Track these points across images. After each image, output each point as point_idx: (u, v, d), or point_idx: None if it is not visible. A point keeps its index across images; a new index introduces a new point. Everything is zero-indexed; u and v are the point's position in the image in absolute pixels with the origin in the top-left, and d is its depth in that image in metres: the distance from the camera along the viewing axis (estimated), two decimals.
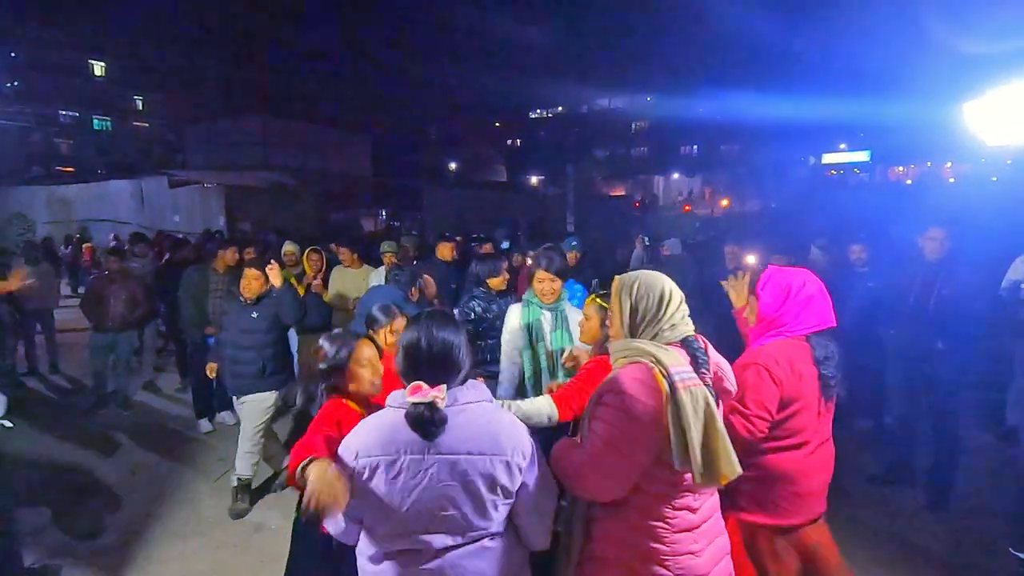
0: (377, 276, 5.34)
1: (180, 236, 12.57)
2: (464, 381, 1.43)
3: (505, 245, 7.13)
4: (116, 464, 4.23)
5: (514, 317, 2.92)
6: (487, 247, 5.51)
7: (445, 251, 5.24)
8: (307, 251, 5.22)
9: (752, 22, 42.67)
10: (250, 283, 3.56)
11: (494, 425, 1.39)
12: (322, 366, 2.01)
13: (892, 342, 3.60)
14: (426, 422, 1.32)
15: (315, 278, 5.07)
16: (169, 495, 3.76)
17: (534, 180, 45.85)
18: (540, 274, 2.85)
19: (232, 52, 42.03)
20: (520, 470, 1.37)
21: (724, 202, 20.03)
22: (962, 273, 3.19)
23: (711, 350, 1.62)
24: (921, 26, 37.07)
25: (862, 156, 40.97)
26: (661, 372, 1.45)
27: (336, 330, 2.15)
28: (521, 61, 50.52)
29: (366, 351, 2.02)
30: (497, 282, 3.43)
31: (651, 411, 1.43)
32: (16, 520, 2.91)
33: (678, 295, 1.60)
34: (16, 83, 37.00)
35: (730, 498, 1.86)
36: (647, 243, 5.91)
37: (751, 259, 5.07)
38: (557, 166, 36.86)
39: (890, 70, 37.70)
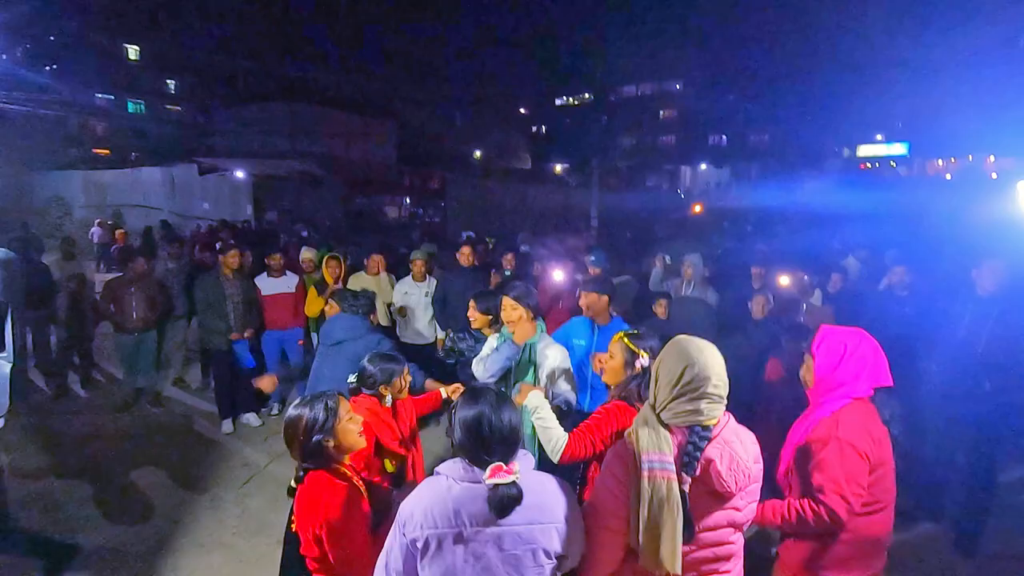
0: (405, 286, 5.31)
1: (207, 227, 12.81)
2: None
3: (524, 248, 7.05)
4: (145, 467, 4.33)
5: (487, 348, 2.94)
6: (509, 258, 5.46)
7: (465, 257, 5.20)
8: (326, 258, 5.24)
9: (786, 5, 41.25)
10: None
11: (546, 495, 1.48)
12: (317, 438, 1.78)
13: (933, 377, 3.45)
14: (511, 501, 1.40)
15: (335, 285, 5.09)
16: (194, 502, 3.85)
17: (558, 168, 45.47)
18: (506, 301, 2.79)
19: (260, 38, 42.34)
20: (563, 533, 1.47)
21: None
22: (1019, 313, 3.02)
23: (720, 442, 1.53)
24: (967, 12, 35.43)
25: (900, 149, 39.53)
26: (635, 455, 1.51)
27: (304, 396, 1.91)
28: (548, 47, 49.81)
29: (344, 403, 1.90)
30: (476, 322, 3.12)
31: (620, 486, 1.53)
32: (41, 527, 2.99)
33: (702, 380, 1.51)
34: (55, 65, 37.98)
35: (812, 562, 1.94)
36: (668, 261, 5.64)
37: (784, 281, 4.93)
38: (582, 155, 36.45)
39: (931, 55, 36.18)
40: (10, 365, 2.81)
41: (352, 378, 2.54)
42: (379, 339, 3.25)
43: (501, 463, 1.42)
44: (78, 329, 5.93)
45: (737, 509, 1.55)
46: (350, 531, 1.71)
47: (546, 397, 2.30)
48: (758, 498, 1.64)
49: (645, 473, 1.46)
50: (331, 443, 1.80)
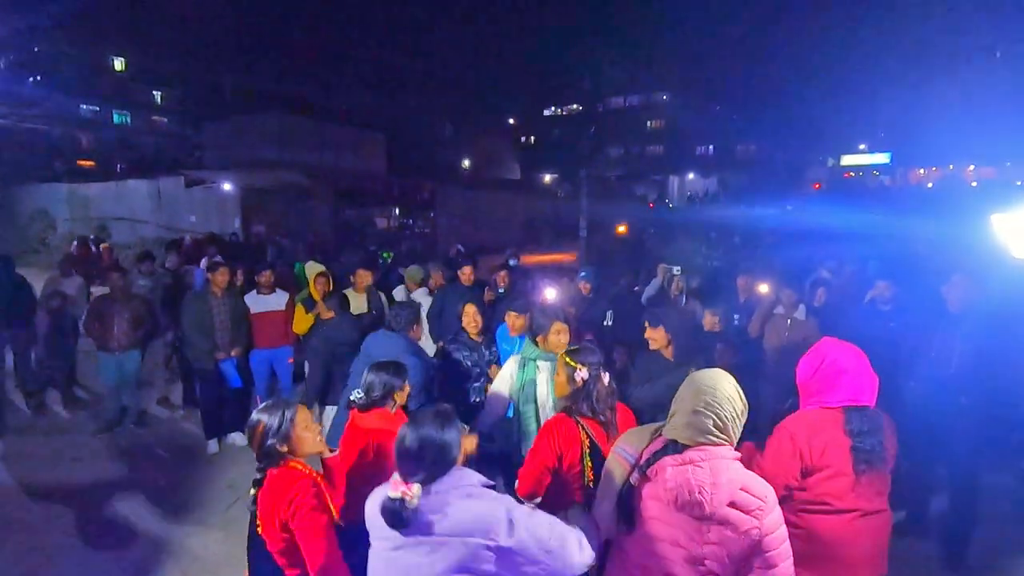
0: (400, 296, 5.44)
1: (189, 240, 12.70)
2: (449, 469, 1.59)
3: (514, 262, 7.06)
4: (127, 490, 4.26)
5: (508, 375, 2.93)
6: (502, 275, 5.47)
7: (466, 276, 5.22)
8: (315, 275, 5.22)
9: (771, 19, 42.01)
10: None
11: (466, 510, 1.53)
12: (271, 442, 1.92)
13: (911, 392, 3.50)
14: (396, 516, 1.49)
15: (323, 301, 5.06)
16: (178, 526, 3.79)
17: (547, 178, 45.69)
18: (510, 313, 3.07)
19: (247, 49, 42.30)
20: (490, 548, 1.50)
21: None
22: (984, 328, 3.08)
23: (681, 463, 1.62)
24: (947, 24, 36.30)
25: (882, 158, 40.23)
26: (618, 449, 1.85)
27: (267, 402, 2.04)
28: (536, 58, 50.23)
29: (303, 413, 2.03)
30: (472, 327, 3.57)
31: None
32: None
33: (699, 405, 1.63)
34: (39, 76, 37.63)
35: None
36: (677, 272, 5.57)
37: (764, 289, 4.99)
38: (571, 165, 36.68)
39: (914, 67, 36.98)
40: None
41: (356, 395, 2.49)
42: (418, 363, 3.08)
43: (400, 478, 1.53)
44: (60, 347, 5.85)
45: (709, 542, 1.57)
46: (314, 514, 1.80)
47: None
48: (729, 548, 1.57)
49: (611, 454, 1.87)
50: (284, 448, 1.93)
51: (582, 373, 2.23)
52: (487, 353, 3.57)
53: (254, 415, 1.97)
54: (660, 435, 1.72)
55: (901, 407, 3.62)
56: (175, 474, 4.52)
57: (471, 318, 3.61)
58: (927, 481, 3.59)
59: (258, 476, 1.93)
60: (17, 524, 3.76)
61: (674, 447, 1.64)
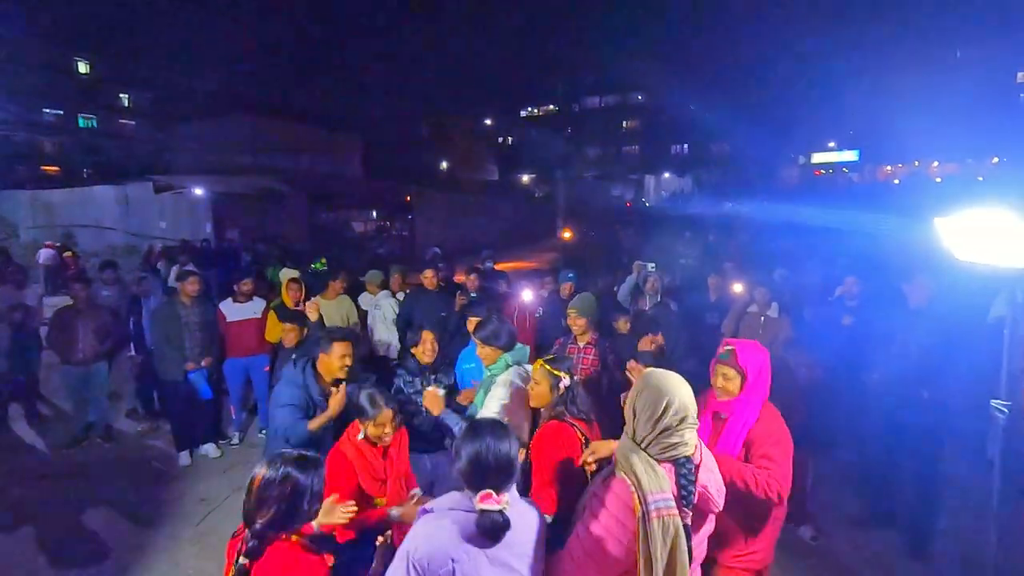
0: (365, 301, 5.41)
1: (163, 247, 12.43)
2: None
3: (489, 264, 7.05)
4: (96, 507, 4.14)
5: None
6: (472, 279, 5.46)
7: (428, 280, 5.19)
8: (287, 281, 5.15)
9: (745, 20, 42.74)
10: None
11: (524, 523, 1.60)
12: (303, 505, 1.62)
13: (875, 386, 3.60)
14: (498, 528, 1.50)
15: (297, 308, 5.00)
16: (148, 542, 3.70)
17: (525, 179, 45.80)
18: (477, 340, 2.80)
19: (218, 49, 41.54)
20: (531, 559, 1.59)
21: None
22: (943, 324, 3.18)
23: (704, 468, 1.62)
24: (912, 24, 37.40)
25: (851, 156, 41.25)
26: (639, 497, 1.50)
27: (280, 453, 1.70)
28: (513, 58, 50.31)
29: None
30: (420, 352, 3.21)
31: (624, 529, 1.51)
32: None
33: (683, 413, 1.59)
34: None
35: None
36: (652, 269, 5.61)
37: (738, 288, 5.08)
38: (548, 165, 36.84)
39: (881, 66, 38.02)
40: None
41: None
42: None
43: (491, 491, 1.52)
44: (22, 360, 5.65)
45: (711, 521, 1.68)
46: None
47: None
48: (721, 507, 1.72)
49: (654, 514, 1.48)
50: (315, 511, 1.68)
51: (566, 381, 2.29)
52: (431, 380, 3.20)
53: (277, 469, 1.61)
54: (663, 460, 1.58)
55: (864, 400, 3.73)
56: (145, 488, 4.41)
57: (428, 346, 3.23)
58: (890, 473, 3.68)
59: (253, 544, 1.55)
60: None
61: (688, 464, 1.58)
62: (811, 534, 3.60)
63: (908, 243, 5.13)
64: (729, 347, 2.26)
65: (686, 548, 1.50)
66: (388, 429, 2.38)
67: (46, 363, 6.00)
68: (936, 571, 3.31)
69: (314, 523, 1.88)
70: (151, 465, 4.85)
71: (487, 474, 1.55)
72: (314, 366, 2.89)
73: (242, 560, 1.54)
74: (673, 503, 1.51)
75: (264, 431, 5.09)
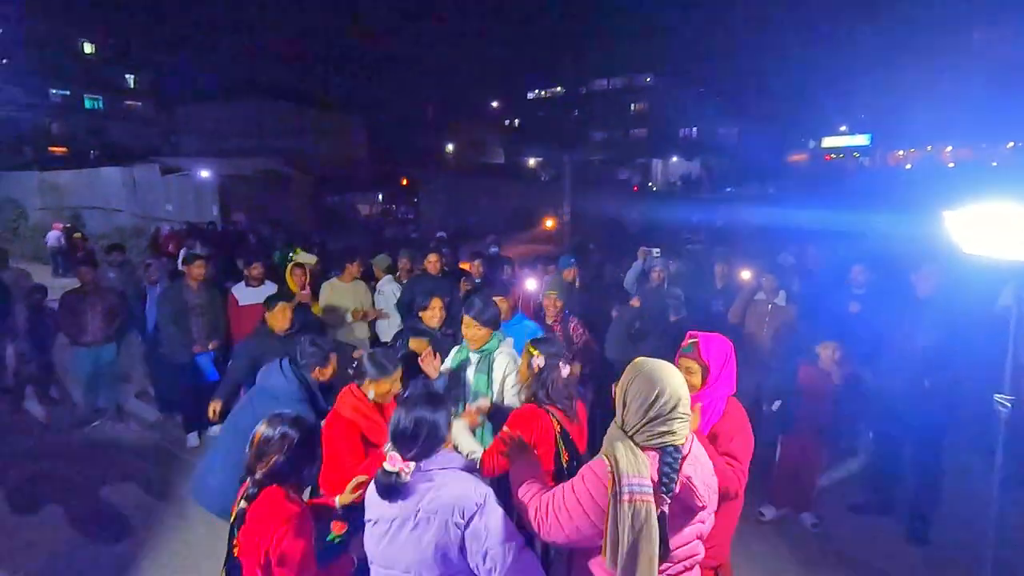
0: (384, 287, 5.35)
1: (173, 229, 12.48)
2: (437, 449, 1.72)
3: (494, 250, 7.03)
4: (108, 486, 4.23)
5: (448, 359, 3.05)
6: (476, 265, 5.45)
7: (432, 264, 5.18)
8: (290, 266, 5.15)
9: (755, 1, 41.89)
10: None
11: (447, 489, 1.65)
12: (278, 460, 1.79)
13: (878, 374, 3.59)
14: (387, 489, 1.64)
15: (302, 292, 5.02)
16: (160, 521, 3.78)
17: (532, 162, 45.49)
18: (466, 319, 2.85)
19: (225, 32, 41.22)
20: (459, 526, 1.62)
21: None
22: (949, 314, 3.16)
23: (692, 460, 1.59)
24: (926, 6, 36.54)
25: (862, 140, 40.68)
26: (614, 478, 1.51)
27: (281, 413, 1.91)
28: (520, 39, 49.66)
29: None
30: (428, 316, 3.49)
31: (596, 507, 1.55)
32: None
33: (674, 401, 1.56)
34: (4, 60, 36.32)
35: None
36: (656, 255, 5.58)
37: (746, 275, 5.04)
38: (555, 148, 36.53)
39: (894, 49, 37.27)
40: None
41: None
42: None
43: (396, 454, 1.65)
44: (40, 342, 5.74)
45: (702, 521, 1.63)
46: (302, 559, 1.70)
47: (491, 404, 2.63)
48: (715, 508, 1.68)
49: (626, 497, 1.46)
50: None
51: (538, 360, 2.35)
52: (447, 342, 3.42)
53: (278, 427, 1.83)
54: (643, 448, 1.57)
55: (868, 390, 3.72)
56: (155, 469, 4.49)
57: (435, 312, 3.54)
58: (892, 460, 3.70)
59: (253, 491, 1.78)
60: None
61: (675, 453, 1.55)
62: (812, 521, 3.64)
63: (916, 234, 5.06)
64: (693, 339, 2.25)
65: (657, 538, 1.46)
66: (398, 388, 2.55)
67: (59, 344, 6.08)
68: (935, 557, 3.33)
69: (337, 501, 2.08)
70: (160, 446, 4.94)
71: (399, 437, 1.69)
72: (291, 362, 2.94)
73: (242, 504, 1.79)
74: (649, 489, 1.48)
75: None
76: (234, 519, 1.81)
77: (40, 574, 3.25)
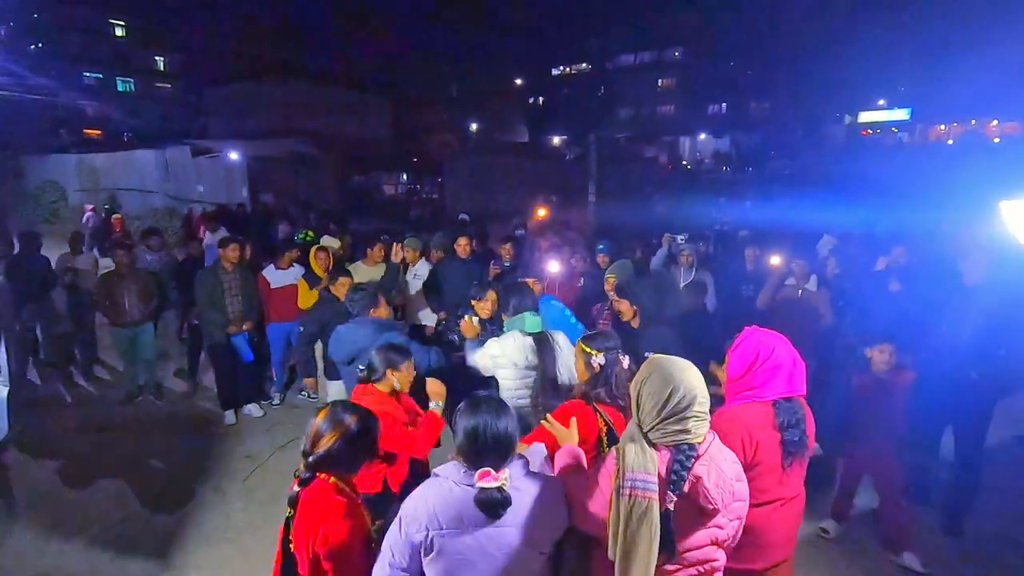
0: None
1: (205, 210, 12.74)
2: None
3: (520, 232, 7.00)
4: (150, 460, 4.43)
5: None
6: (507, 248, 5.44)
7: (462, 248, 5.19)
8: (314, 249, 5.21)
9: None
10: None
11: (534, 497, 1.59)
12: (334, 445, 1.75)
13: (920, 364, 3.49)
14: (497, 504, 1.52)
15: (327, 275, 5.08)
16: (200, 495, 3.94)
17: (556, 141, 44.91)
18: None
19: (250, 13, 41.33)
20: (550, 540, 1.61)
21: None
22: (998, 304, 3.04)
23: (707, 459, 1.56)
24: None
25: (902, 114, 39.01)
26: (619, 470, 1.53)
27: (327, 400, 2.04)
28: (544, 14, 48.63)
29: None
30: (480, 307, 3.44)
31: (604, 498, 1.57)
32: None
33: (689, 399, 1.54)
34: (40, 44, 37.19)
35: None
36: (681, 241, 5.50)
37: (775, 261, 4.94)
38: (580, 126, 35.93)
39: (936, 17, 35.37)
40: (6, 389, 2.81)
41: (360, 371, 2.64)
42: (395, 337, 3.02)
43: (490, 468, 1.53)
44: (80, 321, 5.97)
45: (720, 527, 1.58)
46: (352, 554, 1.66)
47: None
48: (743, 516, 1.64)
49: (627, 491, 1.48)
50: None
51: (598, 359, 2.22)
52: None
53: (343, 412, 1.81)
54: (655, 446, 1.56)
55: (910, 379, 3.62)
56: (195, 445, 4.67)
57: (488, 305, 3.42)
58: (931, 451, 3.62)
59: (307, 475, 1.75)
60: (47, 495, 3.93)
61: (689, 451, 1.54)
62: (917, 564, 3.13)
63: (961, 217, 4.86)
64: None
65: (657, 534, 1.45)
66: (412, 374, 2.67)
67: (99, 324, 6.32)
68: (970, 549, 3.27)
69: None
70: (199, 423, 5.12)
71: (483, 450, 1.57)
72: None
73: (296, 488, 1.75)
74: (654, 486, 1.48)
75: (304, 392, 5.31)
76: (288, 501, 1.78)
77: (93, 543, 3.42)
